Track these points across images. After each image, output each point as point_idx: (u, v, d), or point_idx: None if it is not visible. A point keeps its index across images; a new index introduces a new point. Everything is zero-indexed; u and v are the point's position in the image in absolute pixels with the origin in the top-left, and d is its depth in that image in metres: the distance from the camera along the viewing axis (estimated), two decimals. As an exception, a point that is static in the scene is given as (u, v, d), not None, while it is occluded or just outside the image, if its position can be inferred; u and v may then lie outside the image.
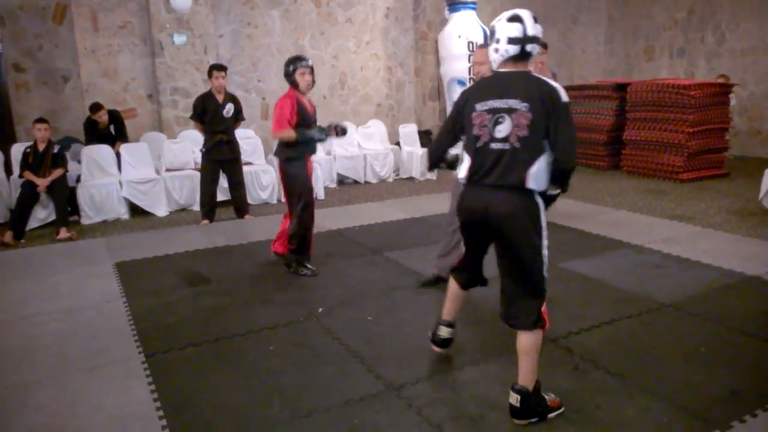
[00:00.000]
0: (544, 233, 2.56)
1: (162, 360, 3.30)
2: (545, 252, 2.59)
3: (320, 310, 3.98)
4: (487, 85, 2.63)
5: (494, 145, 2.52)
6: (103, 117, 7.07)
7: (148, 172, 7.02)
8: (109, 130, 7.24)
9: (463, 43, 9.59)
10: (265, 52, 9.17)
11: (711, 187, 7.67)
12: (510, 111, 2.48)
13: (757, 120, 9.90)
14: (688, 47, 10.97)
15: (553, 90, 2.46)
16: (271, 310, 4.01)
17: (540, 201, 2.54)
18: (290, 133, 4.43)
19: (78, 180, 6.71)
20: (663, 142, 8.23)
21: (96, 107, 7.06)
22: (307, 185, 4.61)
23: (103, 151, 6.96)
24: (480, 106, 2.57)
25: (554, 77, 6.63)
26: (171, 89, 8.10)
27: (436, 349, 3.26)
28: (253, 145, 7.92)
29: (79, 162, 6.95)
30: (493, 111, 2.52)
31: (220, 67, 6.21)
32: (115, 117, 7.35)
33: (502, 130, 2.50)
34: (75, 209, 6.54)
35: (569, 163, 2.45)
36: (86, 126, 7.19)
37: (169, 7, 7.78)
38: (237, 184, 6.49)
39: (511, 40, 2.51)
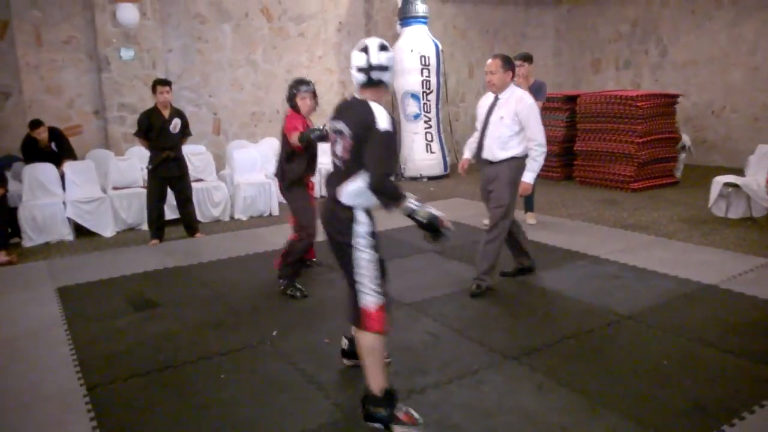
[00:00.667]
0: (362, 241, 2.76)
1: (105, 392, 3.08)
2: (362, 256, 2.76)
3: (274, 333, 3.83)
4: (337, 107, 2.92)
5: (335, 160, 2.85)
6: (42, 134, 6.74)
7: (93, 191, 6.71)
8: (51, 147, 6.90)
9: (415, 57, 9.63)
10: (216, 66, 8.97)
11: (662, 196, 7.84)
12: (341, 133, 2.75)
13: (700, 129, 10.23)
14: (633, 60, 11.28)
15: (373, 119, 2.63)
16: (224, 334, 3.84)
17: (358, 213, 2.76)
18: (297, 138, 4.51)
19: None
20: (613, 152, 8.39)
21: (35, 124, 6.72)
22: (311, 221, 4.52)
23: (46, 169, 6.63)
24: (331, 124, 2.87)
25: (542, 87, 6.68)
26: (118, 105, 7.82)
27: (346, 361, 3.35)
28: (205, 161, 7.69)
29: (20, 181, 6.58)
30: (335, 131, 2.82)
31: (164, 82, 6.00)
32: (56, 134, 7.01)
33: (338, 149, 2.79)
34: (16, 231, 6.19)
35: (377, 184, 2.65)
36: (25, 144, 6.83)
37: (115, 21, 7.54)
38: (185, 201, 6.27)
39: (359, 69, 2.75)
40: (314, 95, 4.71)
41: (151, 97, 6.09)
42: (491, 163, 4.40)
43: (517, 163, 4.35)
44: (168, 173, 6.05)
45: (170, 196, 6.29)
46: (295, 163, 4.57)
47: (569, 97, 9.28)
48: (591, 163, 8.77)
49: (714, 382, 3.05)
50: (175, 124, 6.07)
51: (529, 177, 4.39)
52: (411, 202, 2.76)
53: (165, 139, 5.98)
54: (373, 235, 2.81)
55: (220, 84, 9.02)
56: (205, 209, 7.16)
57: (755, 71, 9.44)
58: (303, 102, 4.63)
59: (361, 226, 2.78)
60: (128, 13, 7.44)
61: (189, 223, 6.36)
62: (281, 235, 6.28)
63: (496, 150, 4.36)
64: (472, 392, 3.04)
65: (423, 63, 9.65)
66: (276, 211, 7.57)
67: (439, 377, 3.19)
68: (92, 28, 7.61)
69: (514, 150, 4.33)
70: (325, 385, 3.12)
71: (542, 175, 9.33)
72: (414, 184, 9.64)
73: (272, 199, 7.55)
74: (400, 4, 9.91)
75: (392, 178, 2.74)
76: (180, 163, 6.15)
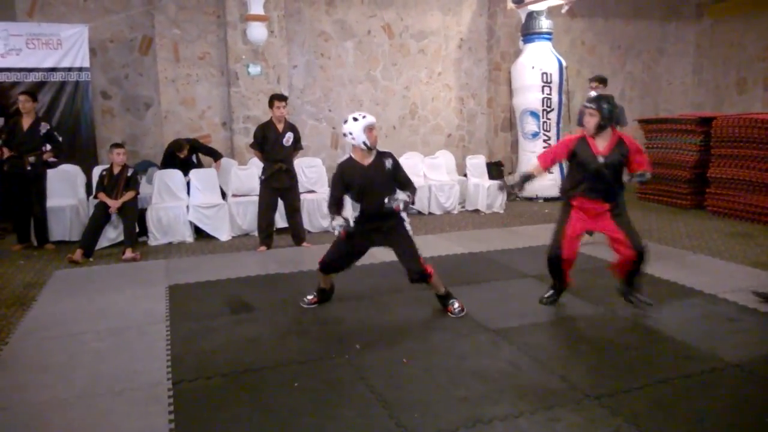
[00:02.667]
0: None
1: (187, 388, 3.29)
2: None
3: (357, 346, 3.87)
4: None
5: None
6: (184, 153, 7.43)
7: (214, 197, 7.24)
8: (191, 160, 7.56)
9: (536, 74, 9.38)
10: (337, 82, 9.33)
11: (806, 233, 6.96)
12: None
13: None
14: (785, 79, 10.17)
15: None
16: (306, 343, 3.95)
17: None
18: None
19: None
20: (752, 181, 7.58)
21: (180, 147, 7.40)
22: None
23: (175, 175, 7.26)
24: None
25: (623, 110, 6.49)
26: (244, 117, 8.38)
27: None
28: (318, 173, 8.01)
29: (152, 184, 7.28)
30: None
31: (280, 97, 6.34)
32: (195, 147, 7.67)
33: None
34: (144, 230, 6.83)
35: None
36: (167, 156, 7.53)
37: (245, 39, 8.10)
38: (294, 212, 6.56)
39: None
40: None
41: (269, 111, 6.48)
42: None
43: None
44: (279, 184, 6.37)
45: (281, 206, 6.62)
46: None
47: (704, 119, 8.54)
48: (726, 191, 7.99)
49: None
50: (288, 138, 6.38)
51: None
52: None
53: (278, 152, 6.32)
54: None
55: (340, 99, 9.36)
56: (314, 220, 7.45)
57: None
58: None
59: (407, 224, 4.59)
60: (257, 31, 7.97)
61: (296, 233, 6.64)
62: (384, 250, 6.38)
63: None
64: (541, 429, 2.87)
65: (544, 80, 9.38)
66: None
67: (509, 409, 3.05)
68: (224, 45, 8.25)
69: None
70: (391, 405, 3.10)
71: (669, 203, 8.76)
72: (529, 204, 9.36)
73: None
74: (523, 20, 9.72)
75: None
76: (291, 174, 6.46)
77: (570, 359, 3.69)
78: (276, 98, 6.30)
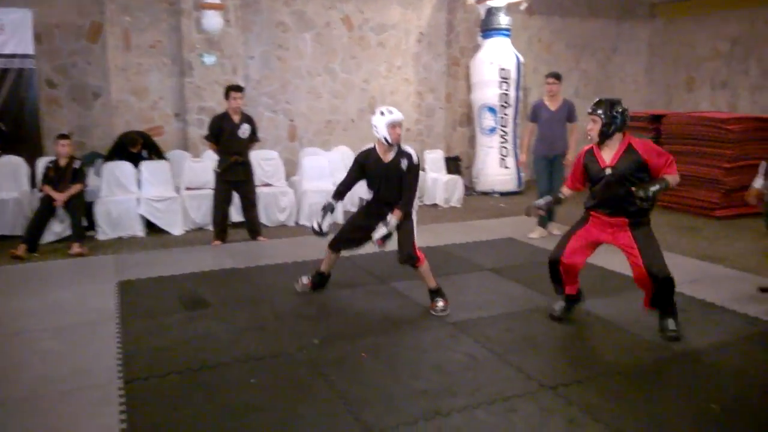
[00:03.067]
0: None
1: (140, 387, 3.19)
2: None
3: (315, 341, 3.83)
4: None
5: None
6: (137, 148, 7.24)
7: (166, 190, 7.04)
8: (141, 154, 7.34)
9: (494, 70, 9.46)
10: (295, 74, 9.20)
11: (747, 226, 7.23)
12: None
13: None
14: (731, 80, 10.53)
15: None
16: (264, 339, 3.89)
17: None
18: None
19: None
20: (699, 176, 7.85)
21: (134, 141, 7.21)
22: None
23: (125, 167, 7.03)
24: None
25: (574, 107, 6.61)
26: (198, 108, 8.17)
27: None
28: (275, 166, 7.88)
29: (99, 176, 7.03)
30: None
31: (237, 88, 6.21)
32: (149, 143, 7.47)
33: None
34: (92, 224, 6.60)
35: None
36: (116, 148, 7.30)
37: (200, 28, 7.89)
38: (250, 205, 6.44)
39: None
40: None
41: (225, 102, 6.33)
42: None
43: None
44: (235, 177, 6.25)
45: (236, 199, 6.49)
46: None
47: (655, 116, 8.79)
48: (674, 187, 8.23)
49: (768, 435, 2.77)
50: (244, 130, 6.26)
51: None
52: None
53: (234, 144, 6.19)
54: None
55: (298, 91, 9.23)
56: (271, 213, 7.34)
57: None
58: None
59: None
60: (213, 21, 7.77)
61: (252, 227, 6.53)
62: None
63: None
64: (499, 420, 2.90)
65: (502, 76, 9.47)
66: (341, 219, 7.62)
67: (468, 401, 3.07)
68: (177, 34, 8.01)
69: None
70: (351, 400, 3.08)
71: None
72: (485, 199, 9.45)
73: (338, 207, 7.59)
74: (483, 16, 9.78)
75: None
76: (247, 167, 6.34)
77: (526, 351, 3.73)
78: (232, 89, 6.16)
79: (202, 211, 7.06)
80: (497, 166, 9.73)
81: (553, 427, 2.83)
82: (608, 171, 3.72)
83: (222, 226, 6.38)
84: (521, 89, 9.82)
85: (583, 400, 3.07)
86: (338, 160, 8.66)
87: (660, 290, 3.69)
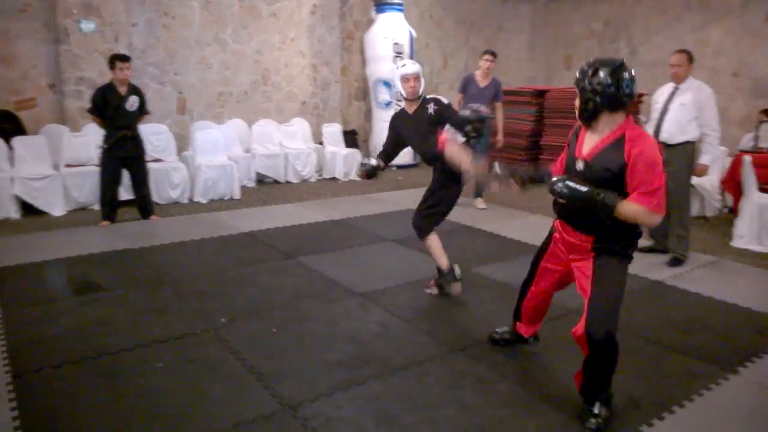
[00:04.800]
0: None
1: (31, 380, 2.95)
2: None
3: (223, 320, 3.72)
4: None
5: None
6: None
7: (44, 168, 6.47)
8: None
9: (388, 44, 9.51)
10: (183, 43, 8.71)
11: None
12: None
13: (667, 129, 10.32)
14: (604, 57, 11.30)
15: None
16: (167, 321, 3.71)
17: None
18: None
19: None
20: (580, 148, 8.41)
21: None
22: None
23: (-7, 144, 6.38)
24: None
25: (500, 86, 6.88)
26: (76, 79, 7.53)
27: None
28: (165, 140, 7.48)
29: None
30: None
31: (124, 58, 5.79)
32: (10, 117, 6.79)
33: None
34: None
35: None
36: None
37: (75, -9, 7.24)
38: (141, 183, 6.07)
39: None
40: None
41: (111, 73, 5.89)
42: (668, 146, 4.79)
43: (692, 146, 4.85)
44: (123, 153, 5.85)
45: (126, 177, 6.10)
46: None
47: (539, 91, 9.27)
48: (556, 157, 8.74)
49: (650, 378, 3.07)
50: (133, 102, 5.87)
51: (706, 159, 4.90)
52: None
53: (121, 118, 5.78)
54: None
55: (187, 62, 8.77)
56: (162, 191, 6.98)
57: (717, 74, 9.52)
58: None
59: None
60: (89, -16, 7.16)
61: (143, 205, 6.17)
62: (242, 219, 6.20)
63: (675, 134, 4.80)
64: (414, 384, 2.99)
65: (396, 50, 9.54)
66: (237, 195, 7.41)
67: (382, 368, 3.13)
68: (51, -3, 7.32)
69: (691, 134, 4.81)
70: (265, 376, 3.03)
71: (509, 168, 9.42)
72: (383, 172, 9.49)
73: (234, 182, 7.39)
74: (375, -11, 9.77)
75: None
76: (136, 142, 5.96)
77: (434, 317, 3.87)
78: (118, 59, 5.74)
79: (85, 190, 6.58)
80: (393, 140, 9.83)
81: (465, 386, 2.96)
82: (579, 164, 2.62)
83: (111, 206, 5.97)
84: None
85: (491, 359, 3.23)
86: (232, 133, 8.39)
87: (594, 356, 2.59)
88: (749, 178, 5.55)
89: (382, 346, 3.39)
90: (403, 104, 4.20)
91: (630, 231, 2.60)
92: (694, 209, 6.48)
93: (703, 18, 9.68)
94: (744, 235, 5.49)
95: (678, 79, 4.85)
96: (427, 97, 4.09)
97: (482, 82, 6.78)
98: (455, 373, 3.10)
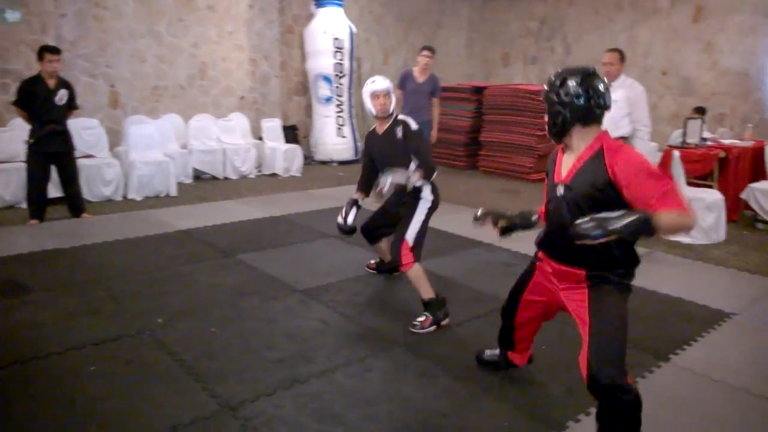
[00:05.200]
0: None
1: (-46, 389, 2.81)
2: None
3: (159, 321, 3.64)
4: None
5: None
6: None
7: (-36, 165, 6.14)
8: None
9: (328, 39, 9.47)
10: (115, 35, 8.40)
11: (558, 189, 8.15)
12: None
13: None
14: (539, 56, 11.65)
15: None
16: (100, 322, 3.60)
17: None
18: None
19: None
20: (515, 144, 8.65)
21: None
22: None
23: None
24: None
25: (438, 81, 6.94)
26: (1, 71, 7.17)
27: None
28: (96, 135, 7.22)
29: None
30: None
31: (53, 50, 5.55)
32: None
33: None
34: None
35: None
36: None
37: (-4, -22, 6.88)
38: (70, 179, 5.84)
39: None
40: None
41: (39, 65, 5.63)
42: None
43: (625, 141, 4.89)
44: (51, 148, 5.62)
45: (54, 173, 5.85)
46: None
47: (477, 88, 9.45)
48: (495, 153, 9.00)
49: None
50: (62, 96, 5.63)
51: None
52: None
53: (49, 112, 5.55)
54: None
55: (120, 54, 8.46)
56: (94, 188, 6.73)
57: (647, 72, 9.99)
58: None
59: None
60: (13, -29, 6.82)
61: (74, 203, 5.94)
62: (178, 217, 6.05)
63: (609, 129, 4.77)
64: (356, 380, 3.01)
65: (336, 46, 9.51)
66: (174, 192, 7.23)
67: (324, 365, 3.14)
68: (-31, -15, 6.92)
69: (623, 129, 4.93)
70: (204, 376, 2.99)
71: (447, 164, 9.58)
72: (323, 168, 9.53)
73: (170, 178, 7.20)
74: (314, -16, 9.71)
75: None
76: (65, 137, 5.72)
77: (375, 312, 3.90)
78: (47, 50, 5.49)
79: (11, 188, 6.28)
80: (334, 136, 9.84)
81: (407, 381, 3.00)
82: (560, 190, 2.38)
83: (39, 204, 5.72)
84: (355, 59, 9.96)
85: (433, 353, 3.29)
86: (168, 129, 8.18)
87: (606, 406, 2.23)
88: (678, 172, 5.80)
89: (324, 343, 3.40)
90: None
91: (627, 258, 2.34)
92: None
93: (634, 18, 10.11)
94: (672, 227, 5.78)
95: (611, 77, 4.98)
96: (398, 117, 3.85)
97: (420, 77, 6.86)
98: (397, 367, 3.14)
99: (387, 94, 3.77)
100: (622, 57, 5.02)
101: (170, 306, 3.87)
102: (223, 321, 3.66)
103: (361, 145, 10.25)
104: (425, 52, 6.81)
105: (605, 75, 5.06)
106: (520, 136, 8.59)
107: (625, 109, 4.95)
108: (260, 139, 9.12)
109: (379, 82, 3.78)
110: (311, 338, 3.47)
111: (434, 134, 7.19)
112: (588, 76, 2.32)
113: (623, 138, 5.02)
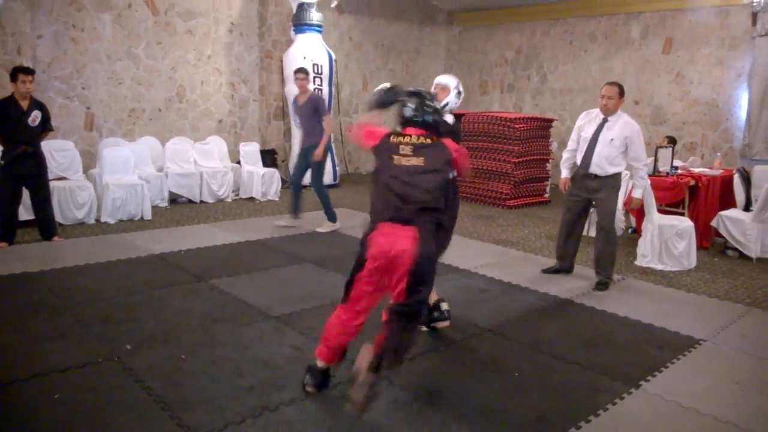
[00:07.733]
0: None
1: None
2: None
3: (128, 347, 3.57)
4: None
5: None
6: None
7: (-68, 186, 5.99)
8: None
9: (307, 65, 9.51)
10: (92, 57, 8.37)
11: (533, 214, 8.25)
12: None
13: (574, 153, 10.91)
14: (516, 84, 11.85)
15: None
16: (67, 348, 3.52)
17: None
18: None
19: None
20: (492, 170, 8.75)
21: None
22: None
23: None
24: None
25: (321, 101, 6.90)
26: (-27, 92, 7.08)
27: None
28: (70, 157, 7.12)
29: None
30: None
31: (26, 71, 5.50)
32: None
33: None
34: None
35: None
36: None
37: (-28, -1, 6.83)
38: (42, 202, 5.75)
39: None
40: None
41: (12, 86, 5.58)
42: (597, 177, 4.94)
43: (619, 176, 5.04)
44: (23, 170, 5.54)
45: (26, 195, 5.76)
46: None
47: (455, 115, 9.53)
48: (472, 180, 9.08)
49: (558, 394, 3.20)
50: (35, 117, 5.57)
51: (638, 193, 5.09)
52: None
53: (22, 133, 5.48)
54: None
55: (96, 76, 8.42)
56: (67, 210, 6.63)
57: (622, 102, 10.21)
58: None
59: None
60: (-12, -8, 6.78)
61: (45, 226, 5.83)
62: (152, 241, 5.98)
63: (606, 166, 4.90)
64: (329, 408, 2.98)
65: (316, 71, 9.57)
66: (148, 215, 7.14)
67: (296, 393, 3.10)
68: (-56, 5, 6.86)
69: (619, 167, 4.95)
70: (171, 405, 2.93)
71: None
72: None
73: (145, 201, 7.12)
74: (294, 10, 9.79)
75: None
76: (37, 159, 5.65)
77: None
78: (21, 71, 5.44)
79: (-20, 210, 6.13)
80: (313, 160, 9.82)
81: (379, 408, 2.95)
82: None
83: (8, 226, 5.60)
84: (333, 85, 10.04)
85: (405, 381, 3.26)
86: (144, 151, 8.11)
87: (406, 317, 2.98)
88: (650, 200, 5.90)
89: (296, 371, 3.34)
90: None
91: None
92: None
93: (607, 49, 10.36)
94: (646, 254, 5.84)
95: (607, 111, 4.89)
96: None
97: (300, 99, 6.91)
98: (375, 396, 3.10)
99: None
100: (621, 92, 4.87)
101: (140, 332, 3.80)
102: (194, 347, 3.60)
103: (339, 169, 10.28)
104: (300, 75, 6.83)
105: (602, 108, 4.92)
106: (497, 163, 8.69)
107: (621, 148, 4.87)
108: (238, 162, 9.09)
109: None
110: (283, 365, 3.42)
111: (318, 152, 6.75)
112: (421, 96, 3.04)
113: (618, 173, 4.97)
